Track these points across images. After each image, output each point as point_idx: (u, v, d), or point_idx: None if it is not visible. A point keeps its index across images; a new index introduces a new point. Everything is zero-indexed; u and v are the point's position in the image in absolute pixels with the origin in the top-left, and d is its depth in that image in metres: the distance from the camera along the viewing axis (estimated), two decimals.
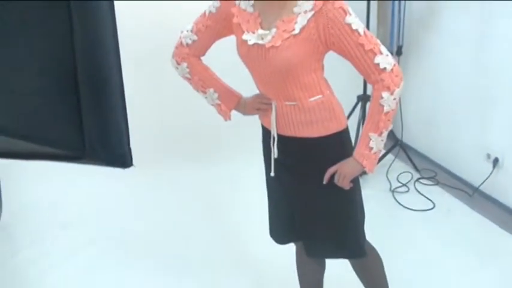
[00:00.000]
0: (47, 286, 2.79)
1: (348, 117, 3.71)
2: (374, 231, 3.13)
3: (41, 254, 3.03)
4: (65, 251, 3.07)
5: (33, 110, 0.72)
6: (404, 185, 3.72)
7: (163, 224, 3.32)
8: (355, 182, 1.85)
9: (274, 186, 2.00)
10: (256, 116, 1.95)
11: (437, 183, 3.74)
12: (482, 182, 3.44)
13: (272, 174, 1.92)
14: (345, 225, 1.91)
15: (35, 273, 2.87)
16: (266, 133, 1.92)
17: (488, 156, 3.40)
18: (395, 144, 3.93)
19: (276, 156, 1.87)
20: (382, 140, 1.76)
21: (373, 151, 1.76)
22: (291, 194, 1.93)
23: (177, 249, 3.08)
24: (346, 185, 1.78)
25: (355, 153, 1.78)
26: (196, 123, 3.85)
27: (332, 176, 1.80)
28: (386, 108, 1.70)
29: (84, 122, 0.70)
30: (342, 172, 1.77)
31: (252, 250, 3.02)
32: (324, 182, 1.80)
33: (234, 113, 1.99)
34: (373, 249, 2.07)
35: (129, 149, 0.85)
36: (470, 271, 2.82)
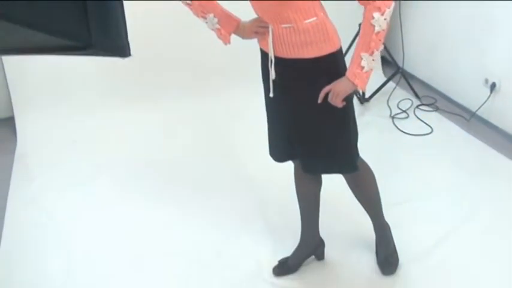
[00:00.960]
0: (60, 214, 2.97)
1: (350, 45, 3.78)
2: (374, 155, 3.24)
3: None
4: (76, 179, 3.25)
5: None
6: (404, 111, 3.82)
7: (163, 151, 3.46)
8: (348, 101, 1.96)
9: (272, 107, 2.12)
10: (255, 46, 2.05)
11: (437, 109, 3.84)
12: (480, 107, 3.54)
13: (271, 94, 2.03)
14: (339, 142, 2.04)
15: (51, 198, 3.05)
16: (264, 56, 2.02)
17: (486, 81, 3.49)
18: (397, 72, 4.00)
19: (273, 77, 1.98)
20: (373, 60, 1.86)
21: (364, 70, 1.86)
22: (288, 114, 2.05)
23: (179, 174, 3.22)
24: (339, 103, 1.90)
25: (348, 72, 1.89)
26: (195, 53, 3.93)
27: (326, 95, 1.91)
28: (377, 29, 1.79)
29: (89, 14, 0.81)
30: (335, 91, 1.88)
31: (252, 171, 3.17)
32: (319, 101, 1.92)
33: (233, 42, 2.08)
34: (365, 165, 2.21)
35: (127, 42, 0.96)
36: (465, 190, 2.96)
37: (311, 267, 2.47)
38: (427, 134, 3.56)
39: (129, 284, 2.45)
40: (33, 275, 2.48)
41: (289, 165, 2.32)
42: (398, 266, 2.41)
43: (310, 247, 2.46)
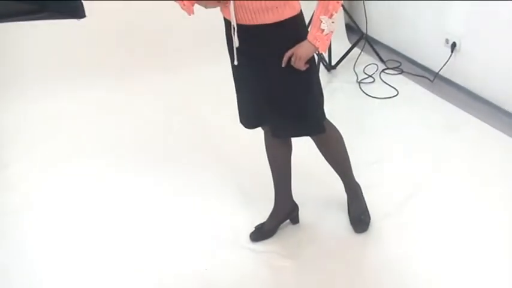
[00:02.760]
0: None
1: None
2: (343, 119, 3.30)
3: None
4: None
5: None
6: (370, 76, 3.88)
7: (134, 126, 3.48)
8: (311, 63, 2.00)
9: (239, 75, 2.15)
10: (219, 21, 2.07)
11: (402, 72, 3.91)
12: (442, 67, 3.61)
13: (235, 62, 2.06)
14: (304, 104, 2.09)
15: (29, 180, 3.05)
16: (227, 24, 2.05)
17: (447, 41, 3.56)
18: (361, 37, 4.05)
19: (237, 45, 2.01)
20: (332, 22, 1.90)
21: (324, 32, 1.90)
22: (255, 80, 2.08)
23: (150, 148, 3.25)
24: (302, 66, 1.94)
25: (309, 35, 1.93)
26: (162, 27, 3.96)
27: (289, 59, 1.95)
28: None
29: None
30: (297, 54, 1.92)
31: (224, 140, 3.21)
32: (283, 65, 1.95)
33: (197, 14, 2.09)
34: (332, 127, 2.26)
35: (81, 3, 0.98)
36: (432, 148, 3.05)
37: (287, 231, 2.53)
38: (393, 96, 3.62)
39: (112, 253, 2.49)
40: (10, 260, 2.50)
41: (260, 132, 2.36)
42: (370, 224, 2.49)
43: (285, 211, 2.52)
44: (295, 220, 2.55)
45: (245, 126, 2.27)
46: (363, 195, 2.52)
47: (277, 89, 2.05)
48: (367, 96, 3.66)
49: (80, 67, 3.91)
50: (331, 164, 2.39)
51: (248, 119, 2.24)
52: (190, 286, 2.29)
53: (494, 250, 2.34)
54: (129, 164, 3.10)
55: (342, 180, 2.46)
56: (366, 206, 2.51)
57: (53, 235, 2.63)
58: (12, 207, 2.82)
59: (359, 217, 2.48)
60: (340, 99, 3.65)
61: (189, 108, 3.63)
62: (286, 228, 2.55)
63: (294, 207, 2.53)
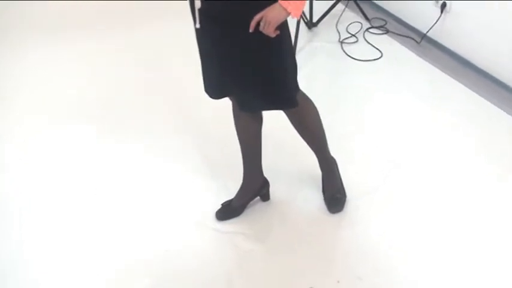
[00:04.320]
0: None
1: None
2: (322, 82, 3.18)
3: None
4: None
5: None
6: (353, 35, 3.64)
7: (95, 88, 3.27)
8: (283, 30, 1.75)
9: (202, 41, 1.90)
10: None
11: (387, 32, 3.67)
12: (430, 28, 3.38)
13: (197, 25, 1.80)
14: (275, 76, 1.85)
15: None
16: None
17: (437, 1, 3.31)
18: None
19: (199, 6, 1.74)
20: None
21: None
22: (219, 47, 1.83)
23: (119, 111, 3.03)
24: (271, 32, 1.68)
25: None
26: None
27: (258, 24, 1.69)
28: None
29: None
30: (267, 18, 1.66)
31: (189, 109, 2.99)
32: (250, 30, 1.70)
33: None
34: (307, 100, 2.04)
35: None
36: (417, 117, 2.86)
37: (256, 209, 2.34)
38: (377, 59, 3.40)
39: (81, 223, 2.31)
40: None
41: (229, 102, 2.12)
42: (346, 202, 2.31)
43: (254, 188, 2.32)
44: (265, 197, 2.36)
45: (210, 97, 2.04)
46: (338, 172, 2.32)
47: (244, 58, 1.80)
48: (349, 58, 3.43)
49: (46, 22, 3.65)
50: (304, 139, 2.17)
51: (213, 90, 2.01)
52: (147, 270, 2.09)
53: (479, 228, 2.19)
54: (89, 127, 2.89)
55: (316, 155, 2.25)
56: (342, 184, 2.32)
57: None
58: None
59: (334, 196, 2.29)
60: (319, 60, 3.42)
61: (160, 66, 3.40)
62: (256, 206, 2.35)
63: (265, 184, 2.33)
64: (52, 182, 2.55)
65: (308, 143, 2.19)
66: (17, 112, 3.05)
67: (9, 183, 2.54)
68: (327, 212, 2.29)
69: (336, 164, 2.32)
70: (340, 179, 2.32)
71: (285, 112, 2.03)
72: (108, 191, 2.47)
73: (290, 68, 1.88)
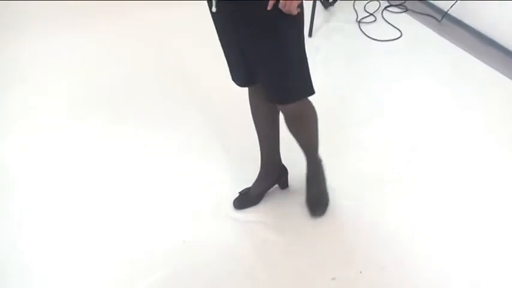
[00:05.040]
0: None
1: None
2: (339, 64, 3.08)
3: None
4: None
5: None
6: (371, 14, 3.54)
7: (112, 74, 3.17)
8: (301, 10, 1.66)
9: (220, 26, 1.81)
10: None
11: (406, 10, 3.57)
12: (452, 6, 3.26)
13: (213, 9, 1.72)
14: (296, 58, 1.74)
15: None
16: None
17: None
18: None
19: None
20: None
21: None
22: (238, 29, 1.73)
23: (129, 100, 2.96)
24: (294, 9, 1.59)
25: None
26: None
27: (276, 4, 1.59)
28: None
29: None
30: None
31: (208, 95, 2.91)
32: (269, 8, 1.60)
33: None
34: (309, 103, 1.91)
35: None
36: (437, 99, 2.77)
37: (274, 198, 2.27)
38: (396, 38, 3.30)
39: (88, 212, 2.25)
40: None
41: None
42: (368, 190, 2.23)
43: (273, 176, 2.25)
44: (283, 185, 2.30)
45: (237, 84, 1.94)
46: (324, 173, 2.21)
47: (265, 40, 1.69)
48: (367, 38, 3.33)
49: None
50: (299, 142, 2.04)
51: (238, 77, 1.91)
52: (164, 261, 2.05)
53: (505, 212, 2.11)
54: (104, 117, 2.81)
55: (306, 156, 2.13)
56: (326, 186, 2.21)
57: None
58: None
59: (319, 199, 2.18)
60: (336, 41, 3.32)
61: (171, 50, 3.30)
62: (274, 194, 2.29)
63: (283, 171, 2.26)
64: (61, 176, 2.50)
65: (301, 146, 2.07)
66: (16, 109, 2.95)
67: (9, 183, 2.46)
68: (348, 199, 2.22)
69: (322, 164, 2.21)
70: (325, 181, 2.21)
71: (283, 112, 1.91)
72: (123, 182, 2.42)
73: (305, 58, 1.79)
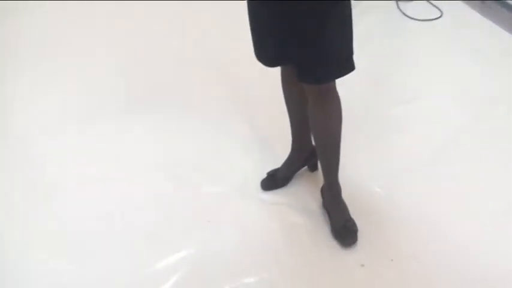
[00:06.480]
0: None
1: None
2: (375, 45, 2.99)
3: None
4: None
5: None
6: None
7: (142, 57, 3.09)
8: None
9: (254, 4, 1.73)
10: None
11: None
12: None
13: None
14: (340, 33, 1.68)
15: None
16: None
17: None
18: None
19: None
20: None
21: None
22: (275, 10, 1.65)
23: (157, 82, 2.88)
24: None
25: None
26: None
27: None
28: None
29: None
30: None
31: (236, 74, 2.82)
32: None
33: None
34: (337, 93, 1.82)
35: None
36: (480, 83, 2.66)
37: (303, 180, 2.20)
38: (436, 18, 3.19)
39: (108, 199, 2.19)
40: None
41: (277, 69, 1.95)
42: (405, 175, 2.12)
43: (302, 157, 2.18)
44: (313, 167, 2.22)
45: (264, 64, 1.85)
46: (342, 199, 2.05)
47: (303, 23, 1.62)
48: (405, 17, 3.23)
49: None
50: (319, 148, 1.95)
51: (268, 57, 1.82)
52: (187, 240, 1.99)
53: None
54: (131, 100, 2.74)
55: (325, 177, 2.00)
56: (348, 211, 2.03)
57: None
58: None
59: (345, 225, 1.98)
60: (373, 20, 3.23)
61: (197, 33, 3.21)
62: (303, 176, 2.21)
63: (313, 153, 2.16)
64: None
65: (320, 154, 1.97)
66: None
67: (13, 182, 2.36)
68: (380, 186, 2.14)
69: (341, 190, 2.05)
70: (346, 207, 2.04)
71: (312, 95, 1.82)
72: (154, 160, 2.36)
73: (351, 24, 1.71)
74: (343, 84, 1.82)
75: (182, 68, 2.93)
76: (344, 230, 1.97)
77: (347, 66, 1.73)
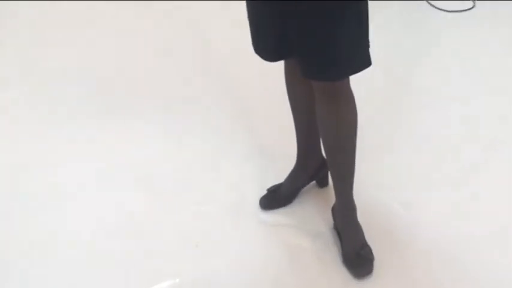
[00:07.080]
0: None
1: None
2: (399, 38, 2.80)
3: None
4: None
5: None
6: None
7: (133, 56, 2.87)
8: None
9: None
10: None
11: None
12: None
13: None
14: (356, 26, 1.47)
15: None
16: None
17: None
18: None
19: None
20: None
21: None
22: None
23: (148, 84, 2.67)
24: None
25: None
26: None
27: None
28: None
29: None
30: None
31: (234, 74, 2.62)
32: None
33: None
34: (351, 93, 1.61)
35: None
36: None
37: (310, 197, 1.94)
38: (467, 9, 3.00)
39: (76, 223, 1.96)
40: None
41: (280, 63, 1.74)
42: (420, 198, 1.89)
43: (310, 169, 1.92)
44: (323, 182, 1.96)
45: (264, 59, 1.66)
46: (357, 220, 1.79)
47: (312, 14, 1.42)
48: (432, 8, 3.04)
49: None
50: (328, 151, 1.70)
51: (268, 51, 1.64)
52: (173, 268, 1.75)
53: None
54: (122, 104, 2.51)
55: (337, 196, 1.76)
56: (363, 234, 1.77)
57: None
58: None
59: (359, 253, 1.73)
60: (394, 10, 3.05)
61: (194, 30, 3.00)
62: (310, 193, 1.95)
63: (323, 165, 1.91)
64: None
65: (332, 167, 1.73)
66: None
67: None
68: (399, 202, 1.90)
69: (356, 211, 1.80)
70: (362, 230, 1.79)
71: (321, 93, 1.60)
72: (130, 174, 2.13)
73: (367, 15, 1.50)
74: (358, 82, 1.58)
75: (161, 70, 2.72)
76: (358, 258, 1.73)
77: (362, 61, 1.52)
